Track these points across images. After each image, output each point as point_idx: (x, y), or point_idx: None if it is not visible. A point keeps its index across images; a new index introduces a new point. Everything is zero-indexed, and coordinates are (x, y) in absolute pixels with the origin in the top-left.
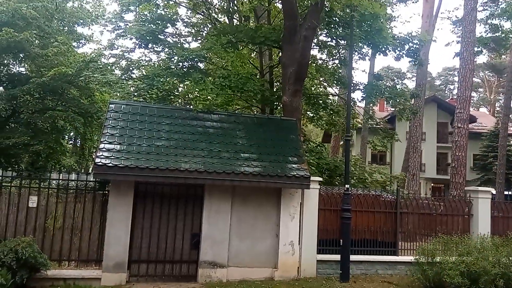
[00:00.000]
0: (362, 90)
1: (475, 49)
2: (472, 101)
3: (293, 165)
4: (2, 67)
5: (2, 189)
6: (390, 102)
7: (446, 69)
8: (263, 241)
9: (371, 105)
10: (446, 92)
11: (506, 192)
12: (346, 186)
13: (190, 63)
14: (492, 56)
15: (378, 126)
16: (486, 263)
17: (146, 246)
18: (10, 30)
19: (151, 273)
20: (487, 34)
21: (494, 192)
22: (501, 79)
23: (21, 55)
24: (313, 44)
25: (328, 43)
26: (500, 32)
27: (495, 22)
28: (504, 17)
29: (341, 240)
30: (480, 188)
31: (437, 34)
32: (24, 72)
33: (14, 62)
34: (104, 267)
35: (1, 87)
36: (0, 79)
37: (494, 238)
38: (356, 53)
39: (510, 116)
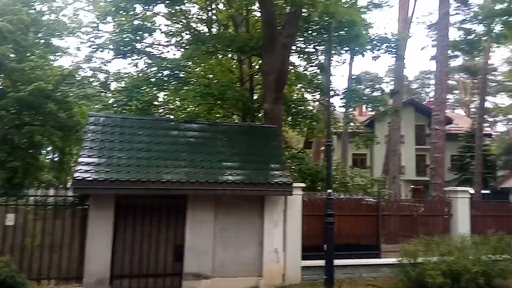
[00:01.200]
0: (342, 96)
1: (450, 52)
2: (448, 103)
3: (276, 172)
4: None
5: None
6: (369, 106)
7: (422, 73)
8: (247, 250)
9: (351, 110)
10: (423, 95)
11: (483, 191)
12: (329, 191)
13: (169, 72)
14: (466, 58)
15: (358, 130)
16: (466, 261)
17: (128, 260)
18: None
19: None
20: (461, 37)
21: (472, 191)
22: (475, 80)
23: None
24: (292, 51)
25: (307, 49)
26: (473, 35)
27: (468, 26)
28: (476, 21)
29: (325, 245)
30: (458, 188)
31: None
32: (0, 87)
33: None
34: (85, 284)
35: None
36: None
37: (474, 237)
38: (335, 57)
39: (485, 116)
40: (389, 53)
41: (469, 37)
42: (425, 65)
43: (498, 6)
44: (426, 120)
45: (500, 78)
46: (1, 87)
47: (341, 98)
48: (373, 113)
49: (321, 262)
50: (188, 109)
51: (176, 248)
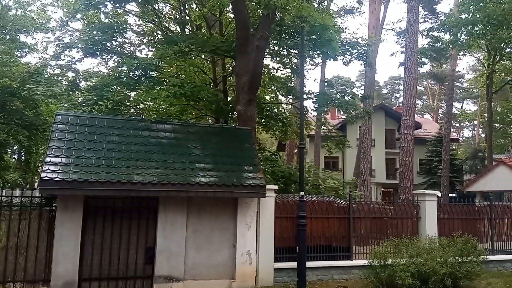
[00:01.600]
0: (314, 100)
1: (418, 59)
2: (416, 108)
3: (249, 174)
4: None
5: None
6: (341, 110)
7: (392, 78)
8: (220, 252)
9: (322, 114)
10: (393, 100)
11: (450, 195)
12: (301, 193)
13: (141, 72)
14: (434, 65)
15: (330, 134)
16: (434, 263)
17: (97, 263)
18: None
19: None
20: (429, 45)
21: (439, 194)
22: (442, 87)
23: None
24: (265, 54)
25: (280, 52)
26: (440, 43)
27: (436, 34)
28: (443, 30)
29: (298, 247)
30: (426, 192)
31: (382, 45)
32: None
33: None
34: (52, 287)
35: None
36: None
37: (441, 239)
38: (308, 61)
39: (452, 122)
40: (359, 59)
41: (437, 45)
42: (394, 71)
43: (463, 16)
44: (395, 124)
45: (466, 85)
46: None
47: (313, 101)
48: (344, 116)
49: (294, 264)
50: (160, 109)
51: (147, 250)
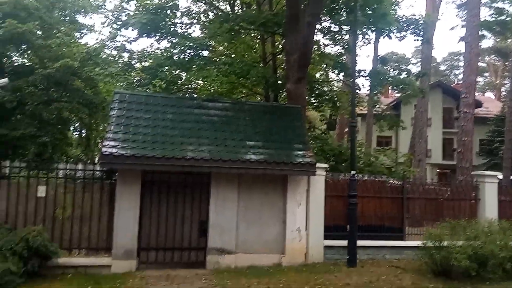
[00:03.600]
0: (367, 77)
1: (480, 33)
2: (477, 86)
3: (299, 152)
4: (6, 59)
5: (11, 180)
6: (395, 88)
7: (451, 54)
8: (270, 228)
9: (376, 91)
10: (452, 77)
11: None
12: (352, 172)
13: (193, 51)
14: (498, 40)
15: (383, 113)
16: (493, 246)
17: (154, 234)
18: (13, 22)
19: (160, 260)
20: (492, 17)
21: (500, 176)
22: (507, 63)
23: (23, 46)
24: (316, 30)
25: (331, 29)
26: (505, 15)
27: (500, 5)
28: (508, 1)
29: (348, 226)
30: (487, 173)
31: (442, 18)
32: (28, 64)
33: (17, 54)
34: (113, 255)
35: (6, 78)
36: (4, 70)
37: (501, 222)
38: (360, 38)
39: None
40: (416, 35)
41: (500, 17)
42: (454, 46)
43: None
44: (454, 103)
45: None
46: (29, 63)
47: (366, 79)
48: (399, 95)
49: (344, 242)
50: (211, 88)
51: (200, 223)
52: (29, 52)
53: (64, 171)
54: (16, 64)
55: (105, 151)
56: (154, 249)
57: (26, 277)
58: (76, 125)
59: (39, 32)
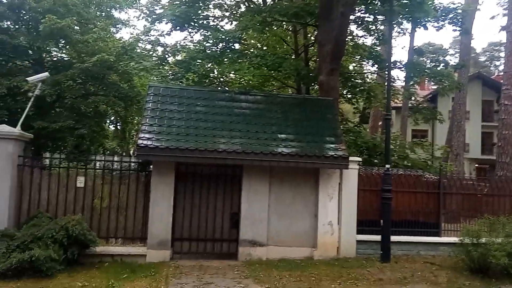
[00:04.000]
0: (402, 68)
1: None
2: None
3: (331, 145)
4: (45, 54)
5: (52, 171)
6: (432, 80)
7: (491, 44)
8: (301, 221)
9: (412, 83)
10: (492, 68)
11: None
12: (387, 166)
13: (225, 44)
14: None
15: (419, 105)
16: None
17: (188, 224)
18: (53, 17)
19: (193, 251)
20: None
21: None
22: None
23: (62, 41)
24: (350, 21)
25: (366, 19)
26: None
27: None
28: None
29: (382, 221)
30: None
31: (482, 7)
32: (66, 58)
33: (56, 49)
34: (148, 244)
35: (47, 73)
36: (44, 65)
37: None
38: (395, 28)
39: None
40: (454, 25)
41: None
42: (494, 36)
43: None
44: (494, 95)
45: None
46: (67, 58)
47: (402, 71)
48: (435, 87)
49: (377, 237)
50: (243, 81)
51: (232, 215)
52: (67, 47)
53: (101, 163)
54: (55, 58)
55: (141, 143)
56: (187, 240)
57: (65, 264)
58: (112, 118)
59: (76, 28)
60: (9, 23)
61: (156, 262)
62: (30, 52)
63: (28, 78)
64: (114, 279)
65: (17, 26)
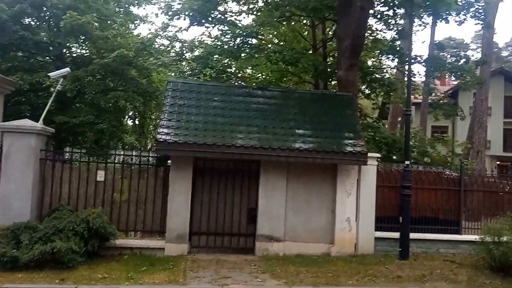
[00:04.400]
0: (423, 63)
1: None
2: None
3: (349, 141)
4: (66, 50)
5: (73, 164)
6: (453, 75)
7: None
8: (319, 217)
9: (433, 77)
10: None
11: None
12: (406, 162)
13: (242, 39)
14: None
15: (440, 101)
16: None
17: (205, 219)
18: (73, 14)
19: (211, 245)
20: None
21: None
22: None
23: (82, 37)
24: (369, 15)
25: (385, 13)
26: None
27: None
28: None
29: (401, 218)
30: None
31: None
32: (86, 54)
33: (76, 44)
34: (167, 238)
35: (67, 68)
36: (65, 60)
37: None
38: (416, 22)
39: None
40: (476, 19)
41: None
42: None
43: None
44: None
45: None
46: (87, 54)
47: (422, 65)
48: (456, 82)
49: (396, 234)
50: (260, 77)
51: (249, 210)
52: (87, 43)
53: (120, 157)
54: (75, 54)
55: (160, 138)
56: (205, 234)
57: (86, 257)
58: (131, 113)
59: (96, 24)
60: (30, 19)
61: (174, 256)
62: (51, 48)
63: (49, 74)
64: (134, 271)
65: (38, 23)
